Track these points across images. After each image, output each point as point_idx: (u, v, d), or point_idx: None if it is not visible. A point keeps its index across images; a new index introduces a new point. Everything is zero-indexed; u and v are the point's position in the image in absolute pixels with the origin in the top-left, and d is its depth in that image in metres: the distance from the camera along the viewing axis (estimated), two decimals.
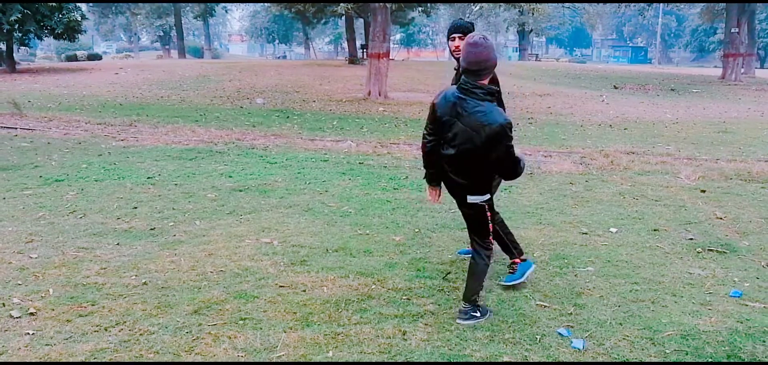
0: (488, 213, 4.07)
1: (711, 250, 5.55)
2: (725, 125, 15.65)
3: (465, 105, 3.81)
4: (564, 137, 12.91)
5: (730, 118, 17.16)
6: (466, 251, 4.79)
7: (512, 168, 3.97)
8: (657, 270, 5.03)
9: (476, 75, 3.81)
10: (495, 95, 3.91)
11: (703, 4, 41.85)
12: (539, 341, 3.78)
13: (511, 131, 3.79)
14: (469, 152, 3.84)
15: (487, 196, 4.06)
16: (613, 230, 6.16)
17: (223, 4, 62.17)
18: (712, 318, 4.14)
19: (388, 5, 19.69)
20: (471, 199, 4.03)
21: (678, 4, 37.09)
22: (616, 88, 25.92)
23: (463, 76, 3.88)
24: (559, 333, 3.88)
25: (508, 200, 7.27)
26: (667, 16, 77.07)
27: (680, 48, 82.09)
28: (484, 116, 3.75)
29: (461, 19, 4.60)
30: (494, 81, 4.07)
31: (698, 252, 5.50)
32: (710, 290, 4.63)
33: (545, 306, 4.29)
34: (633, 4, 36.21)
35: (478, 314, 4.04)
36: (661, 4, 44.65)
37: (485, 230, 4.09)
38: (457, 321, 4.00)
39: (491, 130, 3.72)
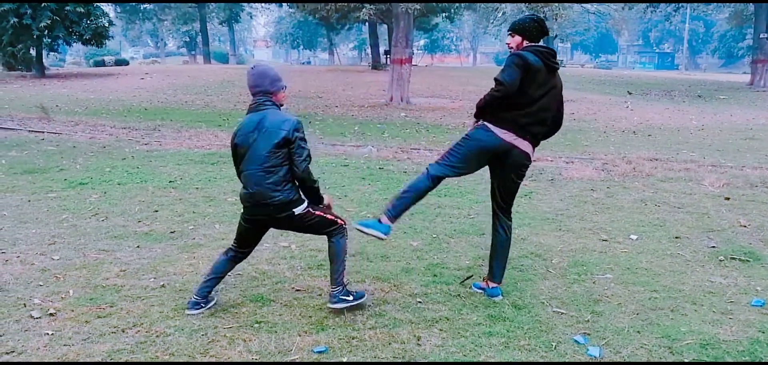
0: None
1: (733, 258, 5.46)
2: (752, 131, 15.41)
3: None
4: (586, 144, 12.81)
5: (757, 125, 16.89)
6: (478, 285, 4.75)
7: None
8: (677, 278, 4.96)
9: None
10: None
11: (731, 9, 41.31)
12: (555, 348, 3.75)
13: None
14: None
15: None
16: (634, 237, 6.10)
17: (249, 10, 62.62)
18: (732, 327, 4.07)
19: (411, 11, 19.71)
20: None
21: (706, 5, 36.54)
22: (629, 94, 25.65)
23: None
24: (576, 341, 3.84)
25: (529, 206, 7.23)
26: (695, 22, 76.19)
27: (708, 54, 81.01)
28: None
29: (528, 16, 4.46)
30: None
31: (720, 260, 5.42)
32: (731, 299, 4.56)
33: (562, 313, 4.26)
34: (662, 4, 35.80)
35: (350, 297, 4.16)
36: (689, 9, 44.14)
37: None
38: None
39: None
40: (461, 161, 4.42)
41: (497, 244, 4.60)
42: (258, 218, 4.14)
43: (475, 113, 4.48)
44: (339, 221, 4.23)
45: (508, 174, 4.45)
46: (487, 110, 4.35)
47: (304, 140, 4.03)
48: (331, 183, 8.33)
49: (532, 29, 4.37)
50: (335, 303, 4.12)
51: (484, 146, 4.36)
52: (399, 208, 4.44)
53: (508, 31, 4.48)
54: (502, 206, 4.58)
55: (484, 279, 4.67)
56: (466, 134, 4.46)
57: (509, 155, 4.34)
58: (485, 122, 4.38)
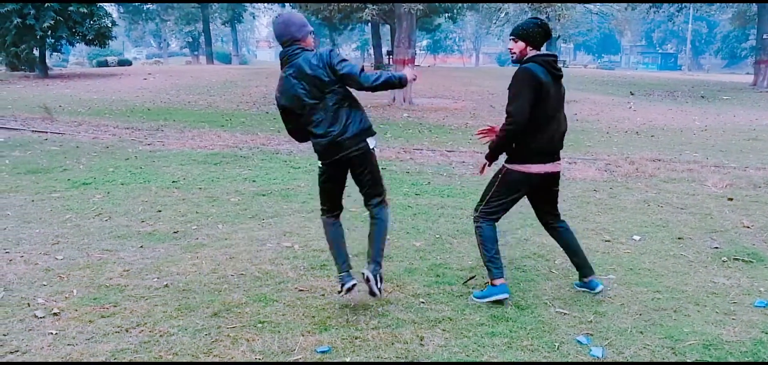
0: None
1: (737, 259, 5.46)
2: (755, 132, 15.39)
3: None
4: (589, 144, 12.80)
5: (760, 125, 16.86)
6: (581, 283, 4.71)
7: None
8: (680, 279, 4.96)
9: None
10: None
11: (734, 9, 41.25)
12: (558, 348, 3.75)
13: None
14: None
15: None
16: (637, 237, 6.10)
17: (251, 11, 62.66)
18: (735, 328, 4.07)
19: (414, 11, 19.71)
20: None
21: (709, 6, 36.44)
22: (632, 94, 25.61)
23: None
24: (578, 341, 3.84)
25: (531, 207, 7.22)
26: (698, 22, 76.09)
27: (711, 54, 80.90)
28: None
29: (531, 20, 4.39)
30: None
31: (723, 261, 5.42)
32: (735, 299, 4.55)
33: (565, 314, 4.26)
34: (665, 4, 35.73)
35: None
36: (691, 10, 44.07)
37: None
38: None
39: None
40: (504, 208, 4.45)
41: (567, 243, 4.65)
42: (336, 162, 4.09)
43: (487, 155, 4.42)
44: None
45: (549, 191, 4.55)
46: (505, 148, 4.35)
47: (344, 58, 3.99)
48: None
49: (535, 34, 4.28)
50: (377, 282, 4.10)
51: (521, 191, 4.42)
52: (498, 262, 4.43)
53: (511, 35, 4.40)
54: (550, 216, 4.65)
55: (581, 280, 4.66)
56: (501, 181, 4.40)
57: (545, 180, 4.40)
58: (512, 165, 4.35)
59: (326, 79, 3.95)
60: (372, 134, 4.11)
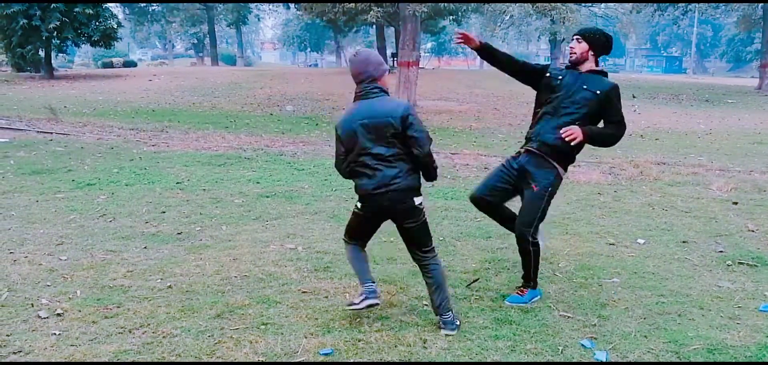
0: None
1: (741, 263, 5.44)
2: (760, 136, 15.34)
3: None
4: (593, 147, 12.75)
5: (766, 129, 16.80)
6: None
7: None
8: (685, 283, 4.94)
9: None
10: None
11: (739, 13, 41.12)
12: (561, 352, 3.74)
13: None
14: None
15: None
16: (641, 241, 6.08)
17: (256, 13, 62.72)
18: (740, 332, 4.05)
19: (418, 14, 19.70)
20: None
21: (715, 8, 36.31)
22: (634, 97, 25.52)
23: None
24: (582, 345, 3.83)
25: None
26: (703, 25, 75.88)
27: (716, 58, 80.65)
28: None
29: (598, 28, 4.40)
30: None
31: (728, 265, 5.40)
32: (739, 304, 4.54)
33: (569, 317, 4.25)
34: (669, 7, 35.62)
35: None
36: (697, 13, 43.98)
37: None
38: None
39: None
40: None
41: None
42: (376, 210, 4.01)
43: (586, 134, 4.32)
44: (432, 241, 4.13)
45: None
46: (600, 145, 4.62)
47: (419, 121, 3.92)
48: (337, 185, 8.33)
49: (600, 43, 4.31)
50: (452, 328, 4.00)
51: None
52: (536, 267, 4.48)
53: (576, 35, 4.36)
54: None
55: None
56: (552, 192, 4.40)
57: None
58: (565, 174, 4.51)
59: (396, 127, 3.86)
60: (419, 194, 4.02)
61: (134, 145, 11.68)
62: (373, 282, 4.13)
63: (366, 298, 4.03)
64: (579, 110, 4.28)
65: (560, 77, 4.36)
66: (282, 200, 7.55)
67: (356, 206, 4.10)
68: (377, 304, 4.08)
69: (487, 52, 4.47)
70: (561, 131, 4.24)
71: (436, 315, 4.05)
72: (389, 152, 3.87)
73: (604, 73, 4.38)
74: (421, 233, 4.03)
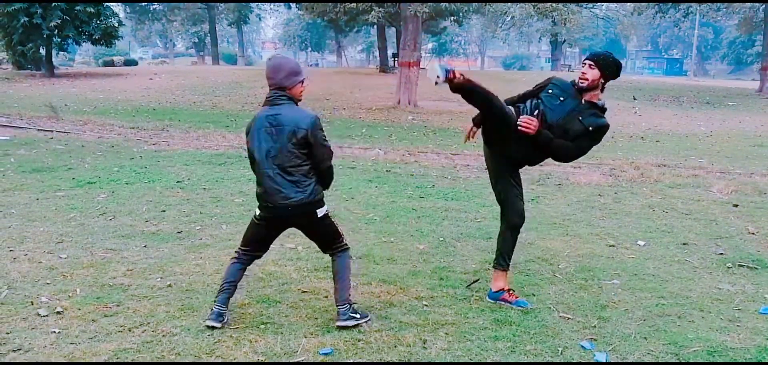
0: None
1: (741, 265, 5.44)
2: (761, 138, 15.34)
3: None
4: (594, 148, 12.75)
5: (766, 132, 16.81)
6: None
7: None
8: (685, 285, 4.94)
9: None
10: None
11: (740, 15, 41.09)
12: (561, 353, 3.74)
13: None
14: None
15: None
16: (641, 243, 6.08)
17: (257, 12, 62.74)
18: (740, 334, 4.05)
19: (420, 14, 19.71)
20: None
21: (716, 11, 36.22)
22: (634, 99, 25.53)
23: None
24: (582, 346, 3.83)
25: (535, 210, 7.22)
26: (704, 28, 75.82)
27: (717, 60, 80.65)
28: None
29: (610, 53, 4.32)
30: None
31: (728, 267, 5.39)
32: (739, 306, 4.53)
33: (569, 318, 4.24)
34: (671, 10, 35.58)
35: (358, 315, 4.07)
36: (698, 15, 43.91)
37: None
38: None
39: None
40: None
41: None
42: (275, 219, 3.98)
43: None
44: (343, 238, 4.16)
45: None
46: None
47: (324, 137, 3.89)
48: (338, 185, 8.32)
49: (612, 70, 4.24)
50: (346, 320, 4.00)
51: None
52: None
53: (589, 60, 4.25)
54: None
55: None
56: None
57: None
58: None
59: (299, 138, 3.82)
60: (322, 205, 4.01)
61: (135, 143, 11.68)
62: (224, 305, 4.02)
63: (210, 319, 3.96)
64: (561, 135, 4.25)
65: (561, 98, 4.27)
66: None
67: (255, 213, 4.06)
68: (216, 327, 3.93)
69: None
70: (521, 119, 4.19)
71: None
72: (292, 163, 3.83)
73: (603, 111, 4.31)
74: (326, 236, 4.11)
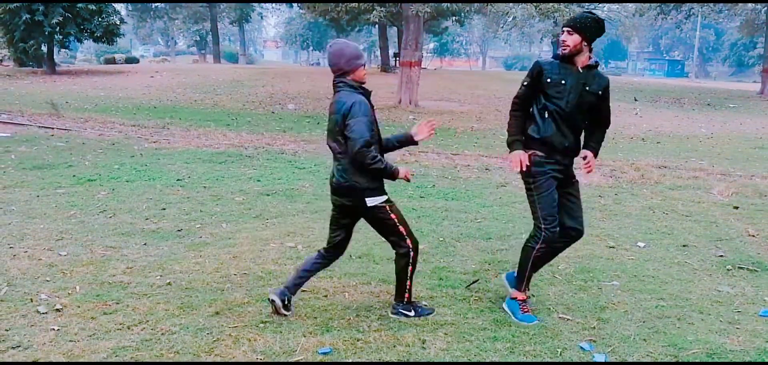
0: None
1: (741, 268, 5.43)
2: (762, 140, 15.32)
3: None
4: None
5: (767, 134, 16.80)
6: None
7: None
8: (684, 287, 4.94)
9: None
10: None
11: (742, 17, 41.07)
12: (560, 354, 3.74)
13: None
14: None
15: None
16: (641, 244, 6.07)
17: (259, 11, 62.75)
18: (739, 337, 4.04)
19: (421, 14, 19.71)
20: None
21: (718, 13, 36.20)
22: (635, 100, 25.53)
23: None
24: (581, 347, 3.83)
25: None
26: (706, 30, 75.83)
27: (718, 62, 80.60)
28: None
29: (587, 13, 4.17)
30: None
31: (728, 270, 5.39)
32: (739, 308, 4.53)
33: (568, 320, 4.24)
34: (672, 11, 35.56)
35: (412, 312, 4.15)
36: (699, 17, 43.92)
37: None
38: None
39: None
40: None
41: None
42: (335, 200, 4.11)
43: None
44: (408, 241, 4.11)
45: None
46: None
47: (353, 122, 3.82)
48: None
49: (593, 29, 4.11)
50: (395, 314, 4.14)
51: None
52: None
53: (566, 27, 4.15)
54: None
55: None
56: None
57: None
58: None
59: (338, 124, 3.92)
60: (373, 194, 4.00)
61: (135, 141, 11.68)
62: (289, 291, 4.15)
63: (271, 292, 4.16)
64: (584, 113, 4.21)
65: (563, 82, 4.13)
66: (282, 198, 7.55)
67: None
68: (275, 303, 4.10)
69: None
70: (584, 168, 4.31)
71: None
72: (341, 149, 3.93)
73: (597, 65, 4.24)
74: (381, 229, 4.14)
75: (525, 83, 4.27)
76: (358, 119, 3.83)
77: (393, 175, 4.00)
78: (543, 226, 4.18)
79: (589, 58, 4.18)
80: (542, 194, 4.18)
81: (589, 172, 4.39)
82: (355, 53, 3.99)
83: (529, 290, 4.42)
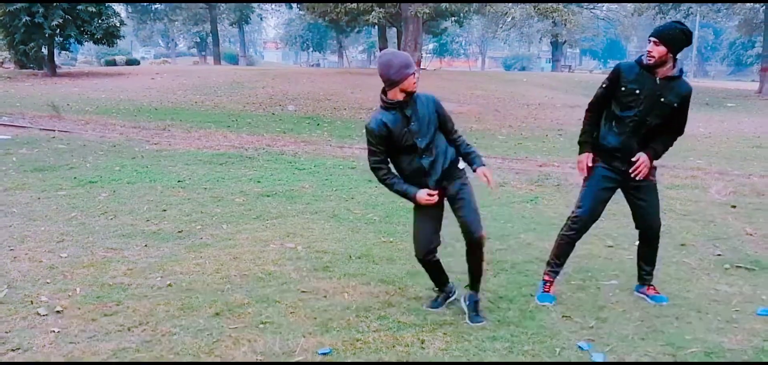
0: None
1: (739, 267, 5.45)
2: (760, 140, 15.33)
3: None
4: None
5: (765, 133, 16.80)
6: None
7: None
8: (682, 286, 4.96)
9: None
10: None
11: (740, 17, 41.12)
12: (559, 354, 3.76)
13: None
14: None
15: None
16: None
17: (259, 12, 62.77)
18: (737, 336, 4.06)
19: (420, 15, 19.75)
20: None
21: (716, 12, 36.25)
22: None
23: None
24: (580, 347, 3.85)
25: (534, 211, 7.24)
26: (704, 29, 75.82)
27: (717, 61, 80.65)
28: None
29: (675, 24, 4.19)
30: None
31: (726, 269, 5.41)
32: (737, 307, 4.55)
33: (567, 319, 4.26)
34: (671, 11, 35.56)
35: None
36: (698, 17, 43.93)
37: None
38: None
39: None
40: None
41: None
42: None
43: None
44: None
45: None
46: None
47: (368, 143, 4.08)
48: (338, 185, 8.36)
49: (679, 41, 4.13)
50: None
51: None
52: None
53: (653, 37, 4.18)
54: None
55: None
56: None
57: None
58: None
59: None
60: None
61: (136, 143, 11.71)
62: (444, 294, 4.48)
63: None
64: (657, 123, 4.28)
65: (637, 91, 4.21)
66: (282, 199, 7.57)
67: None
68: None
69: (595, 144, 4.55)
70: (633, 170, 4.34)
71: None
72: None
73: (680, 76, 4.26)
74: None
75: (603, 85, 4.41)
76: (368, 141, 4.10)
77: (409, 198, 4.16)
78: (573, 212, 4.55)
79: (673, 68, 4.22)
80: (586, 185, 4.57)
81: (636, 175, 4.37)
82: (405, 62, 3.99)
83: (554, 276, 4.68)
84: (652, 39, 4.18)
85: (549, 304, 4.46)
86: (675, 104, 4.25)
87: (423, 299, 4.53)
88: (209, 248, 5.62)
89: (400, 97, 4.01)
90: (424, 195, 4.06)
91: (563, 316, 4.30)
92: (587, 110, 4.58)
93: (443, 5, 29.38)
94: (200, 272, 4.96)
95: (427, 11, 20.75)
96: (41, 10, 26.69)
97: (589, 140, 4.52)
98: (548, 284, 4.64)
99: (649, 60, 4.17)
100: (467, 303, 4.27)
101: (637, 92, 4.21)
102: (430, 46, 73.30)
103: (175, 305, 4.29)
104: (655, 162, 4.46)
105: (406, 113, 4.02)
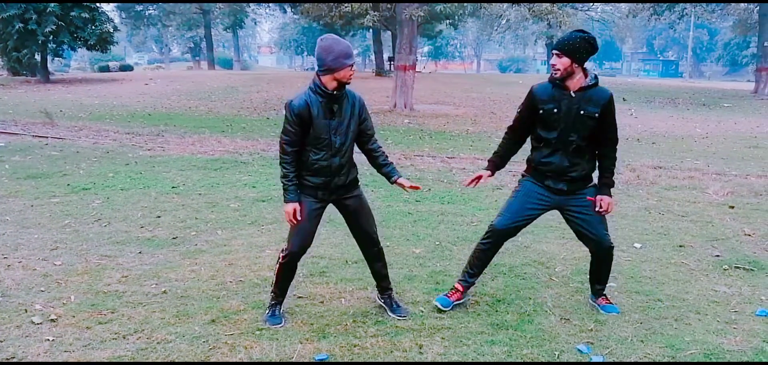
0: None
1: (738, 267, 5.43)
2: (757, 140, 15.36)
3: None
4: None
5: (762, 133, 16.84)
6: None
7: None
8: (681, 287, 4.94)
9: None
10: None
11: (735, 17, 41.24)
12: (558, 357, 3.73)
13: None
14: None
15: None
16: (637, 245, 6.07)
17: (253, 17, 62.72)
18: (737, 337, 4.04)
19: (415, 17, 19.72)
20: None
21: (711, 13, 36.31)
22: (624, 100, 25.58)
23: None
24: (579, 350, 3.82)
25: None
26: (699, 30, 76.07)
27: (712, 62, 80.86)
28: None
29: (576, 33, 4.07)
30: None
31: (724, 270, 5.39)
32: (736, 308, 4.53)
33: (566, 322, 4.23)
34: (666, 12, 35.64)
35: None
36: (693, 17, 44.05)
37: None
38: None
39: None
40: None
41: None
42: None
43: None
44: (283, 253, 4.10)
45: None
46: None
47: (285, 119, 3.87)
48: None
49: (583, 49, 4.02)
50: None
51: None
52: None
53: (555, 50, 4.11)
54: None
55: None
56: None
57: None
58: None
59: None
60: None
61: (130, 149, 11.65)
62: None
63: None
64: (583, 137, 4.18)
65: (555, 111, 4.12)
66: (278, 204, 7.52)
67: None
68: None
69: (501, 164, 4.60)
70: (596, 211, 4.36)
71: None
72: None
73: (596, 83, 4.14)
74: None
75: (519, 109, 4.34)
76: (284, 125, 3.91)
77: (285, 198, 3.98)
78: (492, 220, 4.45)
79: (585, 77, 4.11)
80: (513, 195, 4.48)
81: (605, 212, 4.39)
82: (345, 52, 3.84)
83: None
84: (554, 52, 4.10)
85: (446, 307, 4.32)
86: (596, 114, 4.12)
87: (420, 303, 4.50)
88: (204, 254, 5.58)
89: (333, 86, 3.85)
90: (291, 210, 3.91)
91: (562, 319, 4.27)
92: (507, 131, 4.46)
93: (438, 8, 29.40)
94: (195, 279, 4.92)
95: (422, 14, 20.71)
96: (34, 16, 26.62)
97: (494, 159, 4.57)
98: (455, 292, 4.42)
99: (555, 74, 4.08)
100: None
101: (555, 111, 4.10)
102: (426, 48, 73.36)
103: (170, 312, 4.25)
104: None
105: (333, 107, 3.88)
